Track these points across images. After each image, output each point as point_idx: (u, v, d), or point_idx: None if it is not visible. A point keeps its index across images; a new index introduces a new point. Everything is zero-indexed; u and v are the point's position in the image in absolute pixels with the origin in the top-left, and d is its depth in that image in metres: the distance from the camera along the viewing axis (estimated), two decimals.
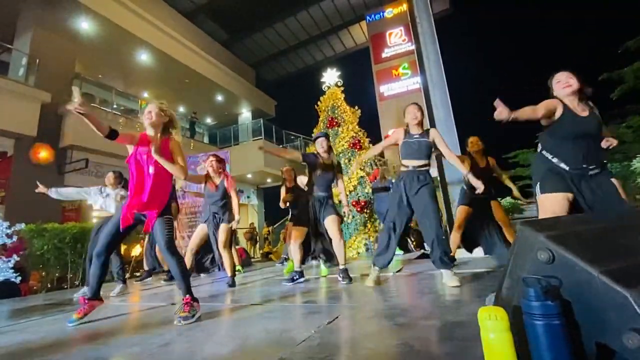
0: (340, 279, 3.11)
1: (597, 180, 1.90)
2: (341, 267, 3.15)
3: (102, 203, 3.96)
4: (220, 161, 3.84)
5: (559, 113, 1.95)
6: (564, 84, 1.96)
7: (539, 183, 1.99)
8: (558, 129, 1.96)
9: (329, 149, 3.44)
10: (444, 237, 2.60)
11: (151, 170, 2.22)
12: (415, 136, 2.77)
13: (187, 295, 2.16)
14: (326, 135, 3.49)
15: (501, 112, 1.82)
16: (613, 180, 1.90)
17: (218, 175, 3.81)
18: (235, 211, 3.74)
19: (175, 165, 2.25)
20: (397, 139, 2.85)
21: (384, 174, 6.38)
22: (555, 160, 1.96)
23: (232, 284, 3.54)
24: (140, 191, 2.22)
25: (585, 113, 1.94)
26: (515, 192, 3.81)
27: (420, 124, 2.81)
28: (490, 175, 3.69)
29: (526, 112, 1.91)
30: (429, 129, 2.82)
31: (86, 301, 2.31)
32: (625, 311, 0.75)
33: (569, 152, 1.92)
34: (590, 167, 1.90)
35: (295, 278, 3.34)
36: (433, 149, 2.79)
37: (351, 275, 3.16)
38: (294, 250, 3.38)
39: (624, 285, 0.77)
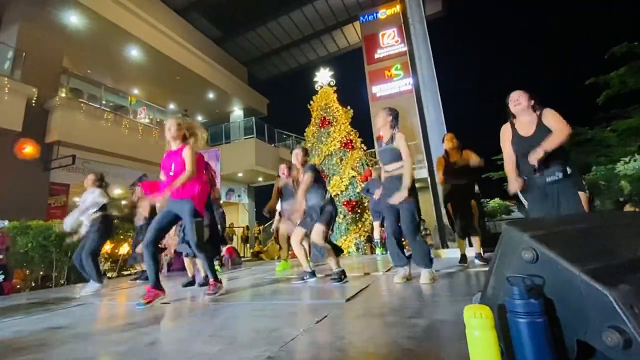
0: (331, 279, 3.10)
1: (558, 189, 2.11)
2: (335, 270, 3.11)
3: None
4: None
5: (509, 137, 2.32)
6: (514, 102, 2.28)
7: (519, 194, 2.33)
8: (511, 148, 2.32)
9: (304, 162, 3.46)
10: (418, 239, 2.79)
11: (171, 173, 2.75)
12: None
13: (212, 279, 2.88)
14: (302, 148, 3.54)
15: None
16: (580, 193, 2.08)
17: None
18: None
19: (184, 177, 2.63)
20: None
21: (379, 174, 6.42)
22: (518, 171, 2.29)
23: (205, 283, 3.52)
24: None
25: (532, 130, 2.20)
26: (475, 160, 3.78)
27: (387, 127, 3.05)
28: (465, 170, 3.76)
29: (509, 166, 2.34)
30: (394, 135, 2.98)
31: (152, 290, 2.62)
32: (605, 309, 0.77)
33: (523, 165, 2.23)
34: (547, 175, 2.13)
35: (305, 278, 3.28)
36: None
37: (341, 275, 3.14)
38: (296, 249, 3.33)
39: (604, 284, 0.79)
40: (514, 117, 2.33)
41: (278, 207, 3.64)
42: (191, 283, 3.73)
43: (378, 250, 6.39)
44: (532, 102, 2.26)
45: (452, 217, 3.93)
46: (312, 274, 3.34)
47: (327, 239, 3.19)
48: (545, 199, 2.14)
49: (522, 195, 2.32)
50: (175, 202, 2.72)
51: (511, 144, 2.30)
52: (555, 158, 2.09)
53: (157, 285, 2.66)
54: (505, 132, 2.36)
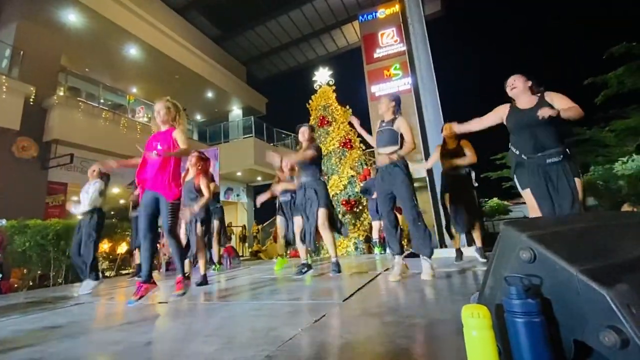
0: (331, 271, 3.16)
1: (558, 171, 2.12)
2: (332, 259, 3.18)
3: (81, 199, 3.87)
4: (201, 159, 3.72)
5: (506, 113, 2.33)
6: (510, 86, 2.35)
7: (515, 178, 2.33)
8: (508, 124, 2.33)
9: (311, 139, 3.52)
10: (419, 223, 2.75)
11: (159, 147, 2.62)
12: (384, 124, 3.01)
13: (180, 275, 2.70)
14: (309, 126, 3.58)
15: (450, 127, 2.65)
16: (576, 180, 2.10)
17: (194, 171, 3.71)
18: (200, 203, 3.59)
19: (181, 149, 2.57)
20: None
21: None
22: (517, 152, 2.27)
23: (203, 283, 3.52)
24: (145, 172, 2.62)
25: (530, 105, 2.21)
26: (463, 160, 3.68)
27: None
28: (460, 154, 3.71)
29: (473, 123, 2.43)
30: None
31: (142, 285, 2.51)
32: (602, 309, 0.77)
33: (521, 142, 2.25)
34: (546, 155, 2.14)
35: (303, 271, 3.35)
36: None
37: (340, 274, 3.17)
38: (297, 242, 3.43)
39: (601, 284, 0.79)
40: (513, 100, 2.35)
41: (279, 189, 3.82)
42: None
43: (376, 250, 6.39)
44: (529, 83, 2.29)
45: (448, 212, 3.83)
46: (309, 266, 3.39)
47: (333, 224, 3.27)
48: (543, 178, 2.16)
49: (517, 175, 2.32)
50: (151, 192, 2.63)
51: (507, 120, 2.31)
52: (555, 140, 2.13)
53: (149, 279, 2.56)
54: (501, 108, 2.37)
